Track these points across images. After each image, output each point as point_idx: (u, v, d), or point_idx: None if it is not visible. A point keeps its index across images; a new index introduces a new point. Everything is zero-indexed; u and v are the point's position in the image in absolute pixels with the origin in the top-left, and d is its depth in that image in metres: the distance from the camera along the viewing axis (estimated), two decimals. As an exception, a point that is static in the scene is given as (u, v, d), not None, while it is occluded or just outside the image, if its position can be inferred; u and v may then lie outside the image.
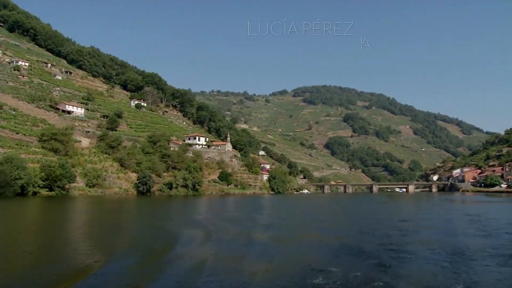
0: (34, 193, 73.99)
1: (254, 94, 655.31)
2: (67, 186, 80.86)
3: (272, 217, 47.41)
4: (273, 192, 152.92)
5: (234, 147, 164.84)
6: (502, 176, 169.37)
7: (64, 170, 78.16)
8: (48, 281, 15.57)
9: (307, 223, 41.57)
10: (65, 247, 23.76)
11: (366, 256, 20.65)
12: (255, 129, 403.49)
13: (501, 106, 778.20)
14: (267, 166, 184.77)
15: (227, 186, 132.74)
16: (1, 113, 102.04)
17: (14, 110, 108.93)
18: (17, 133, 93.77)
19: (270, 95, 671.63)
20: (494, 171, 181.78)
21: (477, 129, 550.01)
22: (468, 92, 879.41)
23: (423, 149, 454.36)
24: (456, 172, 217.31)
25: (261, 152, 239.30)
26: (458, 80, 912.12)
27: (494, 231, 31.32)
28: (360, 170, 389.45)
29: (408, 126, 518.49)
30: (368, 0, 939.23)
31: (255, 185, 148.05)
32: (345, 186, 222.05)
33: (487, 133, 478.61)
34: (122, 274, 16.82)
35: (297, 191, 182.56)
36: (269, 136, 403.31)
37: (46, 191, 76.72)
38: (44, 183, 75.76)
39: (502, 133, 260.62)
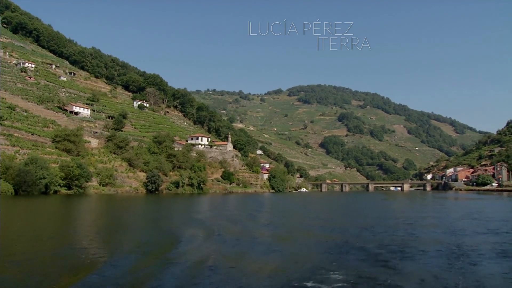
0: (55, 192, 78.25)
1: (249, 93, 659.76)
2: (84, 185, 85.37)
3: (276, 215, 49.71)
4: (273, 191, 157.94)
5: (234, 146, 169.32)
6: (493, 176, 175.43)
7: (81, 170, 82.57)
8: (56, 275, 16.23)
9: (309, 221, 42.40)
10: (76, 242, 24.87)
11: (368, 255, 20.73)
12: (251, 128, 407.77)
13: (495, 105, 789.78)
14: (267, 165, 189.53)
15: (230, 184, 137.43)
16: (14, 114, 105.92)
17: (25, 112, 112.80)
18: (32, 134, 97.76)
19: (265, 94, 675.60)
20: (486, 170, 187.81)
21: (470, 128, 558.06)
22: (462, 92, 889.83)
23: (417, 148, 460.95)
24: (450, 171, 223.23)
25: (259, 152, 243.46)
26: (452, 79, 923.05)
27: (491, 226, 33.89)
28: (355, 169, 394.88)
29: (402, 126, 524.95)
30: (364, 0, 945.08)
31: (256, 184, 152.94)
32: (342, 185, 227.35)
33: (480, 132, 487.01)
34: (127, 270, 17.11)
35: (295, 189, 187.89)
36: (265, 135, 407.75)
37: (65, 189, 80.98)
38: (63, 182, 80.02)
39: (494, 132, 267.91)
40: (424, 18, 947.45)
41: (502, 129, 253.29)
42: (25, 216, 41.48)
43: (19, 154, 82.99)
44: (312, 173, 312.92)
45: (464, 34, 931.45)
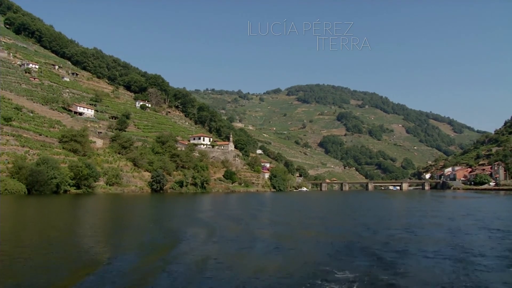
0: (65, 191, 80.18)
1: (248, 93, 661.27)
2: (92, 185, 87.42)
3: (279, 214, 50.52)
4: (275, 190, 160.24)
5: (235, 146, 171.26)
6: (491, 175, 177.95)
7: (90, 170, 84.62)
8: (60, 273, 16.46)
9: (311, 220, 42.69)
10: (83, 240, 25.26)
11: (370, 254, 20.71)
12: (250, 127, 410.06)
13: (493, 105, 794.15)
14: (267, 165, 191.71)
15: (232, 184, 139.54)
16: (21, 115, 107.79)
17: (31, 112, 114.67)
18: (40, 135, 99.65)
19: (264, 93, 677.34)
20: (483, 169, 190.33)
21: (468, 127, 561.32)
22: (460, 91, 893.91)
23: (415, 148, 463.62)
24: (448, 170, 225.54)
25: (259, 151, 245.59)
26: (450, 79, 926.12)
27: (490, 225, 34.98)
28: (354, 168, 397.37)
29: (400, 125, 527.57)
30: (364, 0, 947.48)
31: (258, 183, 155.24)
32: (341, 184, 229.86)
33: (478, 131, 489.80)
34: (131, 268, 17.27)
35: (296, 188, 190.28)
36: (265, 134, 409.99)
37: (75, 189, 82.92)
38: (73, 182, 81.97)
39: (492, 132, 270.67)
40: (423, 18, 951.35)
41: (500, 128, 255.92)
42: (38, 214, 43.26)
43: (28, 155, 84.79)
44: (311, 172, 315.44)
45: (462, 34, 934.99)
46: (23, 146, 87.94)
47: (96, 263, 17.89)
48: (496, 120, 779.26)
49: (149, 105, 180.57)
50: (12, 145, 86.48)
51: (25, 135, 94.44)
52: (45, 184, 72.87)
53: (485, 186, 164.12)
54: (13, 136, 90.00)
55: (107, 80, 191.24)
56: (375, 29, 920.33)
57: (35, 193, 72.49)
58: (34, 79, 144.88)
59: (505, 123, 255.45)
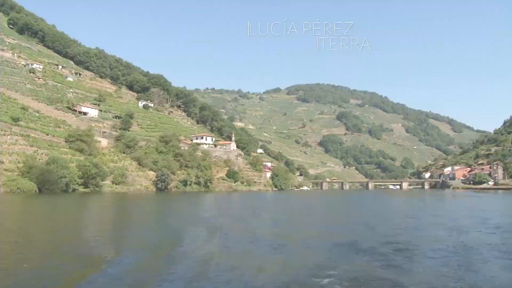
0: (73, 190, 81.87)
1: (248, 92, 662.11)
2: (99, 184, 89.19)
3: (283, 213, 50.75)
4: (276, 189, 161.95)
5: (236, 146, 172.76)
6: (489, 174, 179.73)
7: (97, 169, 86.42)
8: (64, 271, 16.27)
9: (315, 219, 42.98)
10: (88, 239, 25.10)
11: (373, 253, 20.54)
12: (250, 126, 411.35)
13: (492, 104, 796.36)
14: (269, 164, 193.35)
15: (235, 183, 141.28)
16: (28, 115, 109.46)
17: (37, 112, 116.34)
18: (47, 135, 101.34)
19: (264, 93, 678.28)
20: (483, 169, 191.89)
21: (468, 127, 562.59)
22: (459, 90, 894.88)
23: (415, 147, 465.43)
24: (447, 170, 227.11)
25: (259, 150, 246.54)
26: (449, 78, 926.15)
27: (491, 223, 35.34)
28: (354, 167, 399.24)
29: (400, 124, 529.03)
30: (363, 0, 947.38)
31: (260, 182, 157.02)
32: (342, 183, 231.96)
33: (477, 131, 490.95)
34: (134, 267, 17.34)
35: (297, 187, 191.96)
36: (265, 134, 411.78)
37: (83, 188, 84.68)
38: (81, 180, 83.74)
39: (492, 131, 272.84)
40: (423, 18, 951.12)
41: (499, 128, 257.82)
42: (51, 212, 44.75)
43: (37, 154, 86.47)
44: (311, 171, 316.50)
45: (462, 34, 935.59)
46: (32, 146, 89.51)
47: (101, 261, 18.01)
48: (495, 119, 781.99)
49: (152, 105, 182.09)
50: (21, 144, 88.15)
51: (33, 135, 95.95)
52: (55, 183, 74.52)
53: (484, 185, 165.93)
54: (22, 136, 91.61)
55: (109, 80, 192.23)
56: (375, 29, 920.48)
57: (46, 192, 74.16)
58: (39, 79, 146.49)
59: (504, 123, 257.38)
